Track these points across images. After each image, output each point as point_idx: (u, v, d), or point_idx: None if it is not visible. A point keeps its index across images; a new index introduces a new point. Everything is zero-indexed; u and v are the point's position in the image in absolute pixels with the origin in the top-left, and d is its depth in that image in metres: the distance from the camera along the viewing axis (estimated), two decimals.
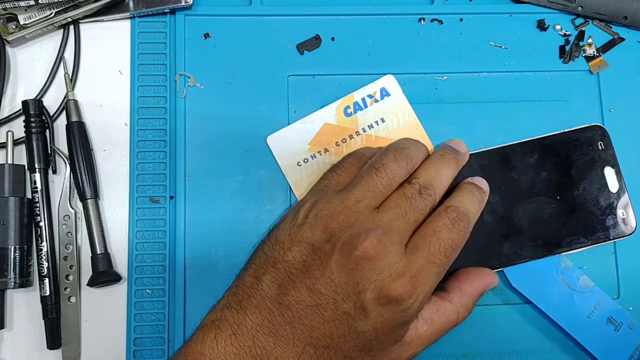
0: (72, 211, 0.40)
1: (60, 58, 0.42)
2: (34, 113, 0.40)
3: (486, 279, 0.37)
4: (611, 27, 0.45)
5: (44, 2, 0.39)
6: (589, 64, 0.44)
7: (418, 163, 0.38)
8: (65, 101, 0.41)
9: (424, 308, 0.35)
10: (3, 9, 0.40)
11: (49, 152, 0.41)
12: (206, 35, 0.43)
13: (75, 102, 0.41)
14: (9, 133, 0.40)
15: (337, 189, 0.37)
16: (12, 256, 0.38)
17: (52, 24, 0.41)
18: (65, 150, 0.41)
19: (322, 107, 0.42)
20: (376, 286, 0.32)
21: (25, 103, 0.40)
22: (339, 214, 0.34)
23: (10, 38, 0.41)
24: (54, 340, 0.38)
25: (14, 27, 0.41)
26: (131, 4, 0.42)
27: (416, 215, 0.35)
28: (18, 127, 0.41)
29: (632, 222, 0.40)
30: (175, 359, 0.34)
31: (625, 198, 0.40)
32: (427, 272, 0.33)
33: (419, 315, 0.35)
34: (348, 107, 0.42)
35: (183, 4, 0.41)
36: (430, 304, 0.36)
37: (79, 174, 0.40)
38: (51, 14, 0.41)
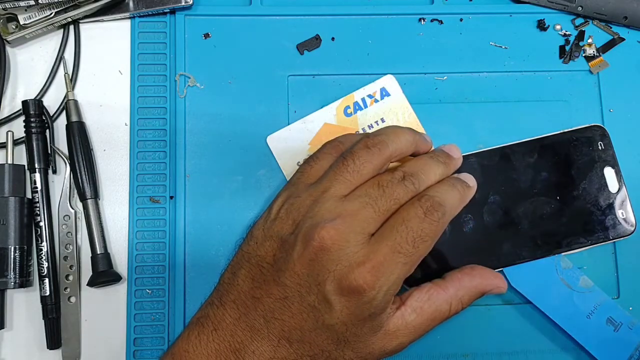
0: (72, 211, 0.40)
1: (60, 58, 0.42)
2: (34, 113, 0.40)
3: (490, 281, 0.36)
4: (611, 27, 0.45)
5: (44, 2, 0.39)
6: (589, 64, 0.44)
7: (398, 151, 0.36)
8: (65, 101, 0.41)
9: (414, 296, 0.34)
10: (3, 9, 0.40)
11: (49, 152, 0.41)
12: (206, 35, 0.43)
13: (75, 102, 0.41)
14: (9, 133, 0.40)
15: (309, 182, 0.36)
16: (12, 256, 0.38)
17: (52, 24, 0.41)
18: (65, 150, 0.41)
19: (322, 107, 0.42)
20: (335, 277, 0.31)
21: (25, 103, 0.40)
22: (305, 205, 0.34)
23: (10, 38, 0.41)
24: (54, 340, 0.38)
25: (14, 27, 0.41)
26: (131, 4, 0.42)
27: (389, 204, 0.33)
28: (18, 127, 0.41)
29: (632, 221, 0.40)
30: (163, 358, 0.34)
31: (625, 198, 0.40)
32: (392, 262, 0.32)
33: (407, 303, 0.34)
34: (348, 107, 0.42)
35: (183, 4, 0.41)
36: (422, 292, 0.35)
37: (79, 174, 0.40)
38: (51, 14, 0.41)
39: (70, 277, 0.40)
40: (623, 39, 0.44)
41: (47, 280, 0.39)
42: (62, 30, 0.42)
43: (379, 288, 0.32)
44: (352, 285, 0.31)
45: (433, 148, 0.39)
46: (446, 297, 0.35)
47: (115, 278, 0.39)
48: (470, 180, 0.37)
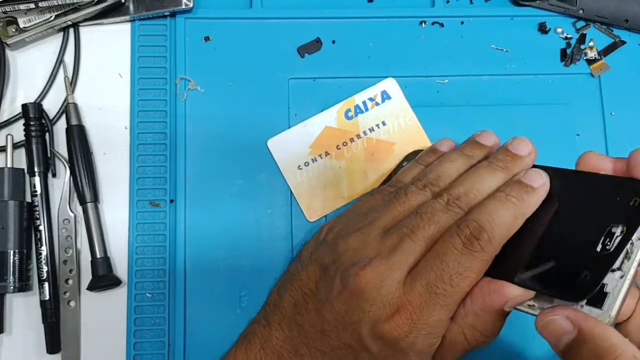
0: (72, 215, 0.40)
1: (60, 61, 0.42)
2: (34, 116, 0.40)
3: (496, 296, 0.28)
4: (612, 30, 0.45)
5: (44, 5, 0.39)
6: (590, 67, 0.44)
7: (449, 183, 0.32)
8: (65, 104, 0.41)
9: None
10: (3, 12, 0.39)
11: (49, 155, 0.40)
12: (206, 38, 0.42)
13: (75, 105, 0.41)
14: (9, 136, 0.40)
15: (362, 212, 0.34)
16: (11, 260, 0.38)
17: (52, 27, 0.41)
18: (65, 153, 0.41)
19: (322, 110, 0.42)
20: (370, 320, 0.29)
21: (25, 106, 0.40)
22: (349, 235, 0.32)
23: (10, 41, 0.40)
24: (53, 344, 0.38)
25: (13, 30, 0.41)
26: (131, 7, 0.42)
27: (429, 232, 0.29)
28: (18, 131, 0.41)
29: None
30: None
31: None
32: (428, 305, 0.28)
33: None
34: (349, 110, 0.42)
35: (183, 6, 0.41)
36: None
37: (78, 178, 0.40)
38: (51, 17, 0.41)
39: (70, 281, 0.39)
40: (624, 42, 0.44)
41: (46, 285, 0.38)
42: (62, 33, 0.42)
43: (416, 333, 0.28)
44: (386, 334, 0.29)
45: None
46: (456, 328, 0.29)
47: (115, 282, 0.39)
48: (535, 179, 0.30)
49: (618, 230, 0.25)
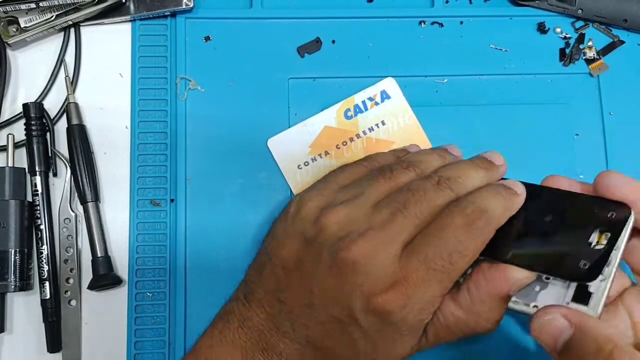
0: (73, 214, 0.40)
1: (61, 61, 0.42)
2: (35, 116, 0.40)
3: (502, 280, 0.28)
4: (611, 30, 0.45)
5: (45, 5, 0.39)
6: (589, 66, 0.44)
7: (430, 169, 0.33)
8: (65, 104, 0.41)
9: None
10: (4, 11, 0.40)
11: (50, 155, 0.40)
12: (207, 38, 0.43)
13: (76, 105, 0.41)
14: (10, 136, 0.40)
15: (341, 184, 0.33)
16: (12, 259, 0.38)
17: (52, 26, 0.41)
18: (66, 153, 0.41)
19: (322, 110, 0.42)
20: (363, 294, 0.29)
21: (25, 106, 0.40)
22: (333, 207, 0.31)
23: (11, 41, 0.41)
24: (54, 343, 0.38)
25: (14, 29, 0.41)
26: (132, 6, 0.42)
27: (421, 209, 0.29)
28: (19, 130, 0.41)
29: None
30: (186, 357, 0.34)
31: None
32: (424, 281, 0.28)
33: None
34: (348, 109, 0.42)
35: (184, 6, 0.41)
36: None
37: (79, 177, 0.40)
38: (52, 16, 0.41)
39: (71, 280, 0.39)
40: (623, 42, 0.45)
41: (47, 284, 0.38)
42: (62, 33, 0.42)
43: (410, 308, 0.28)
44: (379, 308, 0.29)
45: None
46: (461, 313, 0.29)
47: (116, 281, 0.39)
48: (517, 186, 0.31)
49: (602, 237, 0.27)
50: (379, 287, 0.29)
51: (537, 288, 0.28)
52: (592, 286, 0.26)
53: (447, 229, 0.29)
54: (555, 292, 0.27)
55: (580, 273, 0.26)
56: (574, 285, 0.27)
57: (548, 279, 0.28)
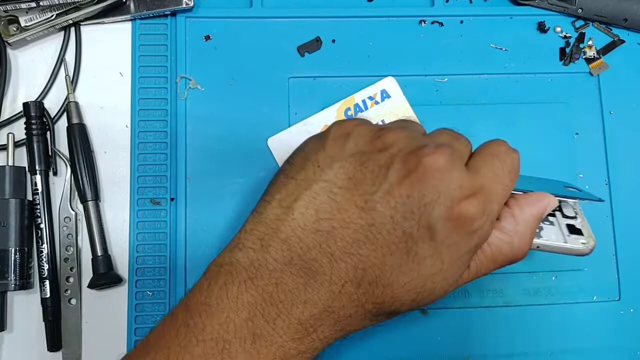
0: (73, 213, 0.40)
1: (61, 60, 0.42)
2: (35, 115, 0.40)
3: (541, 203, 0.32)
4: (611, 29, 0.45)
5: (45, 4, 0.39)
6: (589, 66, 0.44)
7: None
8: (66, 103, 0.41)
9: None
10: (4, 10, 0.40)
11: (50, 154, 0.41)
12: (207, 37, 0.43)
13: (76, 104, 0.41)
14: (10, 135, 0.40)
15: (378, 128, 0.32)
16: (12, 258, 0.38)
17: (53, 26, 0.41)
18: (66, 152, 0.41)
19: (322, 109, 0.42)
20: (446, 199, 0.28)
21: (26, 105, 0.40)
22: (389, 129, 0.30)
23: (11, 40, 0.41)
24: (54, 342, 0.38)
25: (15, 29, 0.41)
26: (132, 6, 0.42)
27: (465, 143, 0.32)
28: (19, 129, 0.41)
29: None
30: (176, 311, 0.29)
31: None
32: (495, 191, 0.29)
33: None
34: (349, 109, 0.42)
35: (184, 5, 0.41)
36: None
37: (79, 176, 0.40)
38: (52, 16, 0.41)
39: (71, 279, 0.39)
40: (623, 41, 0.45)
41: (47, 282, 0.38)
42: (63, 32, 0.42)
43: (486, 217, 0.29)
44: (463, 213, 0.28)
45: None
46: (505, 237, 0.31)
47: (116, 280, 0.39)
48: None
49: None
50: (463, 193, 0.28)
51: (541, 229, 0.33)
52: (577, 224, 0.34)
53: (501, 153, 0.31)
54: (554, 231, 0.33)
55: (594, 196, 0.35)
56: (563, 225, 0.34)
57: (549, 218, 0.34)
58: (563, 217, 0.34)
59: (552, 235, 0.33)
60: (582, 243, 0.33)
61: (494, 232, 0.31)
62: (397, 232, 0.28)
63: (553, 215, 0.34)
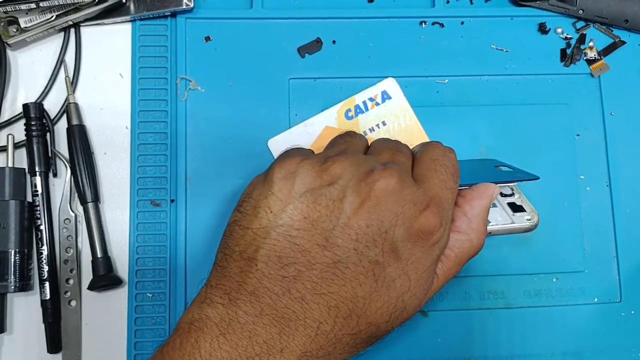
0: (73, 215, 0.40)
1: (61, 61, 0.42)
2: (35, 116, 0.40)
3: (486, 194, 0.33)
4: (612, 30, 0.45)
5: (45, 5, 0.39)
6: (590, 67, 0.44)
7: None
8: (65, 104, 0.41)
9: None
10: (4, 12, 0.39)
11: (50, 155, 0.40)
12: (207, 38, 0.43)
13: (76, 105, 0.41)
14: (10, 136, 0.40)
15: (308, 153, 0.33)
16: (12, 260, 0.38)
17: (53, 27, 0.41)
18: (66, 153, 0.41)
19: (323, 110, 0.42)
20: (404, 219, 0.28)
21: (26, 106, 0.40)
22: (333, 158, 0.30)
23: (11, 41, 0.41)
24: (54, 344, 0.38)
25: (14, 30, 0.41)
26: (132, 7, 0.42)
27: (406, 154, 0.33)
28: (19, 131, 0.41)
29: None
30: None
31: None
32: (445, 198, 0.30)
33: None
34: (349, 110, 0.42)
35: (184, 6, 0.41)
36: None
37: (79, 177, 0.40)
38: (52, 17, 0.41)
39: (71, 281, 0.39)
40: (624, 42, 0.45)
41: (47, 284, 0.38)
42: (62, 33, 0.42)
43: (444, 226, 0.30)
44: (422, 228, 0.29)
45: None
46: (463, 237, 0.32)
47: (116, 282, 0.39)
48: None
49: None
50: (418, 209, 0.29)
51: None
52: (516, 200, 0.36)
53: (440, 157, 0.32)
54: (499, 212, 0.35)
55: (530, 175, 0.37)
56: (505, 204, 0.35)
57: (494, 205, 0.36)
58: (502, 196, 0.36)
59: (499, 217, 0.35)
60: (527, 219, 0.35)
61: (452, 235, 0.32)
62: (364, 262, 0.28)
63: None
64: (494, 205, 0.35)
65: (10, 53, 0.42)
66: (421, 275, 0.30)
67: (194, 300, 0.29)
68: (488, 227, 0.34)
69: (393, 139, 0.35)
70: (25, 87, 0.42)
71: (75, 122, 0.41)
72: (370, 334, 0.29)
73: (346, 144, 0.34)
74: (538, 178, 0.37)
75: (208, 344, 0.27)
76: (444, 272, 0.32)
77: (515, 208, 0.35)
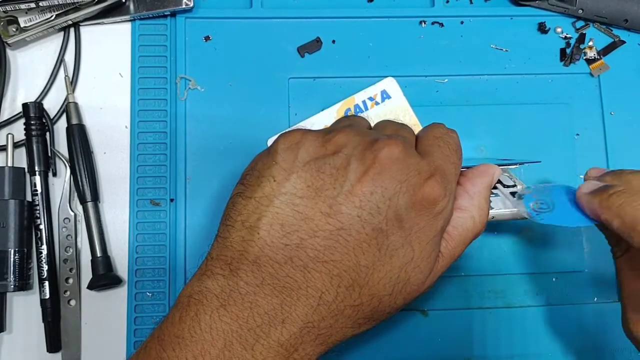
0: (72, 214, 0.40)
1: (60, 61, 0.42)
2: (34, 116, 0.40)
3: (488, 173, 0.34)
4: (612, 30, 0.45)
5: (45, 4, 0.39)
6: (590, 66, 0.44)
7: None
8: (65, 104, 0.41)
9: None
10: (4, 11, 0.40)
11: (49, 154, 0.40)
12: (207, 38, 0.43)
13: (76, 104, 0.41)
14: (9, 136, 0.40)
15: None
16: (12, 259, 0.38)
17: (52, 26, 0.41)
18: (66, 153, 0.41)
19: (322, 110, 0.42)
20: (408, 187, 0.28)
21: (25, 106, 0.40)
22: (336, 131, 0.30)
23: (10, 41, 0.41)
24: (53, 343, 0.38)
25: (14, 29, 0.41)
26: (132, 6, 0.42)
27: (409, 131, 0.33)
28: (18, 130, 0.41)
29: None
30: (149, 344, 0.27)
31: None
32: (449, 170, 0.31)
33: None
34: (349, 109, 0.42)
35: (184, 6, 0.41)
36: None
37: (79, 177, 0.40)
38: (52, 16, 0.41)
39: (70, 280, 0.39)
40: (624, 42, 0.45)
41: (47, 283, 0.38)
42: (62, 32, 0.42)
43: (448, 196, 0.30)
44: (427, 197, 0.29)
45: None
46: (466, 214, 0.32)
47: (116, 281, 0.39)
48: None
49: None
50: (422, 178, 0.29)
51: (490, 201, 0.35)
52: (518, 190, 0.36)
53: (444, 135, 0.32)
54: (502, 200, 0.35)
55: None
56: (507, 194, 0.36)
57: (493, 191, 0.36)
58: (504, 187, 0.36)
59: (501, 204, 0.35)
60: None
61: (455, 213, 0.32)
62: (367, 229, 0.28)
63: (495, 188, 0.36)
64: (497, 195, 0.36)
65: (9, 52, 0.42)
66: (425, 247, 0.29)
67: (194, 275, 0.29)
68: (491, 212, 0.34)
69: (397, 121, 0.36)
70: (24, 87, 0.42)
71: (74, 121, 0.41)
72: (372, 308, 0.29)
73: (350, 121, 0.34)
74: (539, 162, 0.38)
75: (208, 316, 0.26)
76: (449, 250, 0.31)
77: (518, 197, 0.36)
